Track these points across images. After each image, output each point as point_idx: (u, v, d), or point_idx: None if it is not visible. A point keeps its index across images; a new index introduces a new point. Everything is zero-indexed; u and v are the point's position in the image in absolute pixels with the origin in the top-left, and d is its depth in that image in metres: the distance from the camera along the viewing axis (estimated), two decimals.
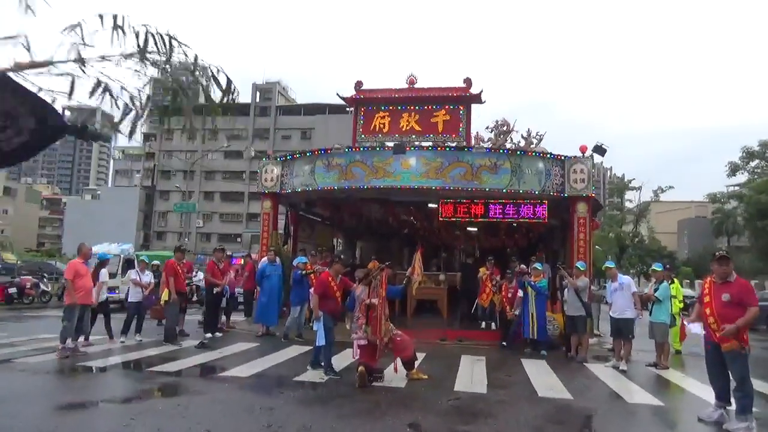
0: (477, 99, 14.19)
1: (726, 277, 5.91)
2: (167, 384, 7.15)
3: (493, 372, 8.39)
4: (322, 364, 7.78)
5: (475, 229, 18.76)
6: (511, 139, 14.92)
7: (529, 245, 19.85)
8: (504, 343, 10.98)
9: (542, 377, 8.06)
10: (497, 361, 9.50)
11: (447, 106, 14.29)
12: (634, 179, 56.60)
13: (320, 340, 7.74)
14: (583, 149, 13.03)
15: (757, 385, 7.04)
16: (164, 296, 10.48)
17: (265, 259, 13.02)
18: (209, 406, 5.97)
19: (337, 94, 15.16)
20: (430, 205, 15.76)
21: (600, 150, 12.84)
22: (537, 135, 14.65)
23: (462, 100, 14.22)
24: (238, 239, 63.41)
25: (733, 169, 39.64)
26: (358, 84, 15.03)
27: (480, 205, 13.32)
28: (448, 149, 13.44)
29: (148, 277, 11.15)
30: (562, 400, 6.73)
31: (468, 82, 14.21)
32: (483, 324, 12.93)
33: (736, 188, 41.05)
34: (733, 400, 5.83)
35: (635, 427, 5.96)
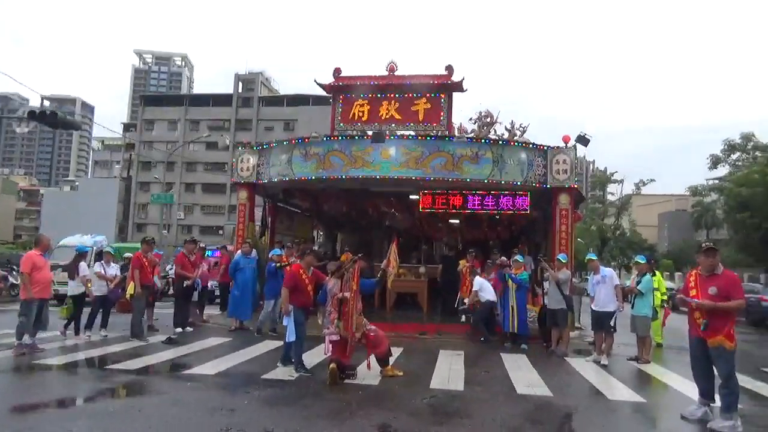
0: (458, 87, 13.84)
1: (713, 270, 5.66)
2: (125, 383, 6.73)
3: (471, 367, 8.09)
4: (293, 360, 7.42)
5: (458, 221, 18.48)
6: (495, 131, 14.66)
7: (511, 238, 19.63)
8: (482, 339, 10.70)
9: (522, 373, 7.79)
10: (476, 355, 9.22)
11: (428, 94, 13.92)
12: (616, 172, 56.96)
13: (290, 336, 7.38)
14: (566, 139, 12.78)
15: (743, 380, 6.85)
16: (129, 290, 10.03)
17: (239, 251, 12.61)
18: (166, 408, 5.58)
19: (315, 81, 14.70)
20: (411, 196, 15.44)
21: (583, 140, 12.61)
22: (521, 127, 14.40)
23: (443, 88, 13.85)
24: (220, 231, 62.65)
25: (715, 162, 39.83)
26: (337, 71, 14.60)
27: (459, 196, 13.03)
28: (428, 138, 13.09)
29: (113, 269, 10.66)
30: (541, 397, 6.45)
31: (449, 69, 13.85)
32: (463, 318, 12.66)
33: (717, 181, 41.30)
34: (717, 397, 5.59)
35: (616, 425, 5.70)
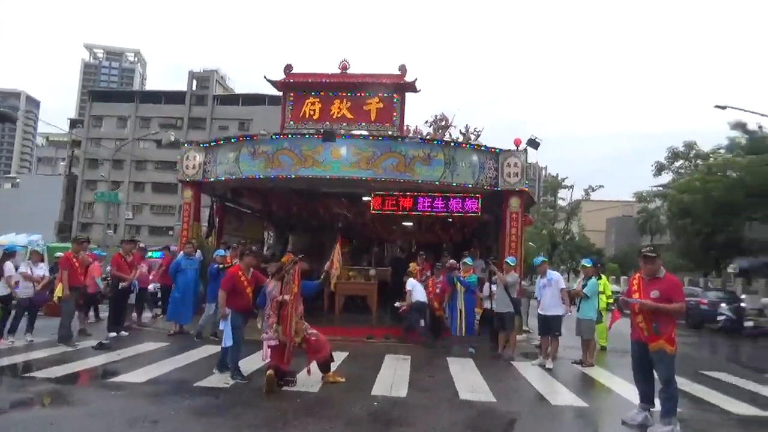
0: (411, 87, 13.71)
1: (655, 274, 5.65)
2: (44, 392, 6.20)
3: (417, 372, 7.91)
4: (230, 367, 7.05)
5: (411, 223, 18.37)
6: (450, 135, 14.61)
7: (464, 240, 19.65)
8: (424, 341, 10.55)
9: (467, 377, 7.65)
10: (422, 360, 9.04)
11: (380, 94, 13.73)
12: (567, 178, 58.35)
13: (227, 341, 7.01)
14: (517, 142, 12.83)
15: (682, 384, 6.90)
16: (57, 291, 9.40)
17: (182, 252, 12.08)
18: (85, 420, 5.15)
19: (265, 77, 14.29)
20: (364, 198, 15.20)
21: (534, 143, 12.68)
22: (475, 131, 14.39)
23: (396, 88, 13.68)
24: (170, 232, 60.78)
25: (659, 169, 41.18)
26: (288, 67, 14.23)
27: (409, 198, 12.86)
28: (380, 139, 12.90)
29: (41, 270, 9.97)
30: (484, 403, 6.31)
31: (403, 69, 13.70)
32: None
33: (661, 188, 42.72)
34: (657, 401, 5.57)
35: (558, 430, 5.60)
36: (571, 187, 57.18)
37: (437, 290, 10.98)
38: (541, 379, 7.96)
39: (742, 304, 18.24)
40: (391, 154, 12.49)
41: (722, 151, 37.30)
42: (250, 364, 7.50)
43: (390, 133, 13.33)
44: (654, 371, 5.60)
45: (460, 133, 14.48)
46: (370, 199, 13.95)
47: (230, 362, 7.03)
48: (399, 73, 13.74)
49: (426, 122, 14.79)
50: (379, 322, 13.04)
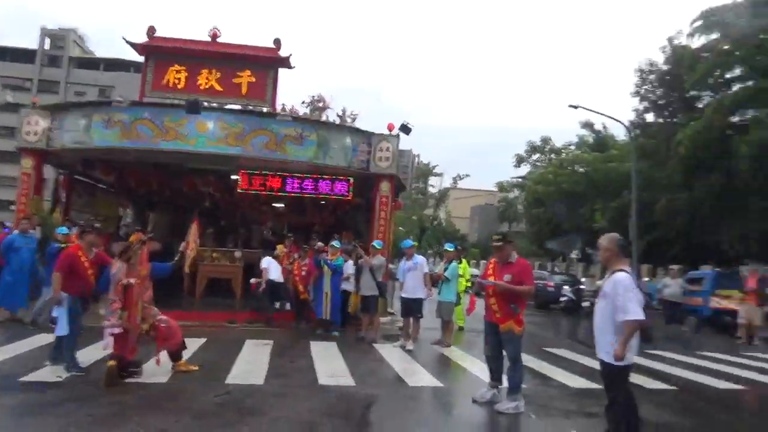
0: (286, 63, 13.20)
1: (507, 259, 5.94)
2: None
3: (277, 358, 7.69)
4: (65, 358, 6.31)
5: (282, 205, 17.91)
6: (327, 117, 14.44)
7: (337, 223, 19.61)
8: (300, 325, 10.41)
9: (328, 362, 7.58)
10: (285, 345, 8.83)
11: (253, 68, 13.08)
12: (437, 166, 60.82)
13: (61, 329, 6.27)
14: (390, 127, 12.95)
15: (528, 360, 7.41)
16: None
17: (17, 229, 10.64)
18: None
19: (125, 39, 12.97)
20: (232, 176, 14.50)
21: (406, 129, 12.87)
22: (351, 114, 14.37)
23: (269, 62, 13.11)
24: (12, 207, 53.95)
25: (519, 161, 44.57)
26: (151, 30, 13.00)
27: (277, 178, 12.48)
28: (251, 114, 12.33)
29: None
30: (343, 387, 6.28)
31: (277, 43, 13.14)
32: (277, 304, 12.20)
33: (520, 179, 46.19)
34: (505, 379, 5.90)
35: (413, 412, 5.72)
36: (441, 175, 59.70)
37: (303, 273, 10.79)
38: (402, 360, 8.14)
39: (582, 286, 20.27)
40: (261, 131, 11.99)
41: (573, 147, 41.16)
42: (90, 354, 6.78)
43: (263, 109, 12.79)
44: (503, 350, 5.92)
45: (337, 116, 14.44)
46: (238, 177, 13.35)
47: (66, 353, 6.29)
48: (273, 47, 13.20)
49: (303, 102, 14.51)
50: (245, 306, 12.56)
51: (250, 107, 12.75)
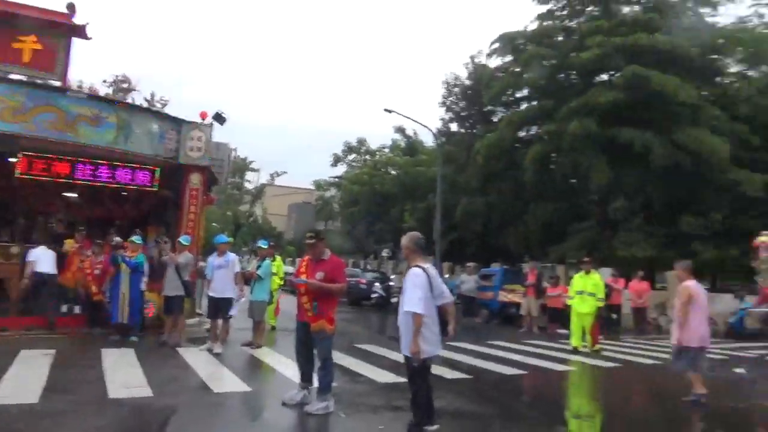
0: (81, 32, 11.58)
1: (320, 256, 5.88)
2: None
3: (60, 370, 6.66)
4: None
5: (75, 194, 15.76)
6: (133, 100, 13.01)
7: (142, 217, 17.87)
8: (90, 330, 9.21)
9: (122, 371, 6.79)
10: (71, 354, 7.76)
11: (40, 33, 11.25)
12: (254, 161, 59.41)
13: None
14: (203, 115, 12.20)
15: (338, 357, 7.46)
16: None
17: None
18: None
19: None
20: (10, 159, 12.31)
21: (220, 118, 12.27)
22: (161, 99, 13.09)
23: (60, 29, 11.41)
24: None
25: (336, 160, 45.51)
26: None
27: (66, 163, 10.89)
28: (34, 87, 10.60)
29: None
30: (138, 399, 5.64)
31: (71, 8, 11.47)
32: (65, 308, 10.69)
33: (336, 179, 47.22)
34: (315, 379, 5.83)
35: (217, 420, 5.35)
36: (258, 170, 58.43)
37: (96, 272, 9.59)
38: (208, 365, 7.65)
39: (391, 283, 21.37)
40: (48, 107, 10.39)
41: (386, 150, 43.31)
42: None
43: (51, 82, 11.07)
44: (314, 350, 5.84)
45: (145, 100, 13.06)
46: (17, 160, 11.38)
47: None
48: (66, 12, 11.51)
49: (104, 81, 12.86)
50: (22, 311, 10.73)
51: (38, 80, 10.98)
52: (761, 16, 22.17)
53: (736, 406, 7.32)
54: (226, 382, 6.75)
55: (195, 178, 12.02)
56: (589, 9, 23.18)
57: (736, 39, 20.93)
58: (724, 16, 22.67)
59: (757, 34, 21.73)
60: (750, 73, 22.06)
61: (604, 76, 21.79)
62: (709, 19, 22.16)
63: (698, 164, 18.57)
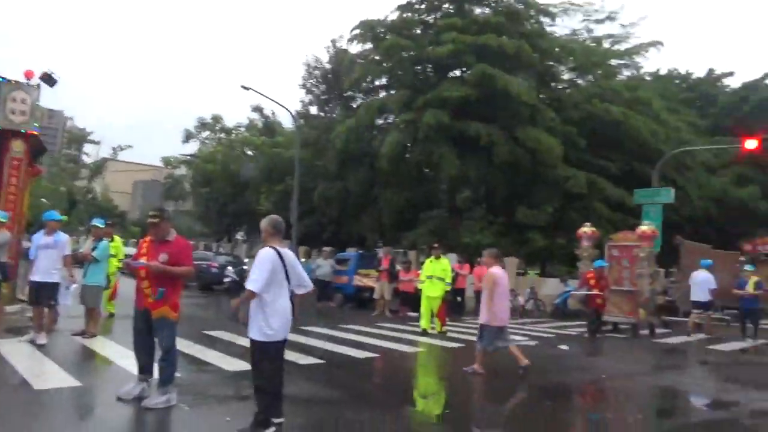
0: None
1: (164, 237, 5.42)
2: None
3: None
4: None
5: None
6: None
7: None
8: None
9: None
10: None
11: None
12: (93, 132, 53.89)
13: None
14: (28, 75, 10.74)
15: (185, 345, 7.02)
16: None
17: None
18: None
19: None
20: None
21: (50, 80, 10.91)
22: None
23: None
24: None
25: (188, 137, 42.48)
26: None
27: None
28: None
29: None
30: None
31: None
32: None
33: (188, 156, 44.29)
34: (156, 370, 5.39)
35: (37, 421, 4.73)
36: (99, 143, 53.10)
37: None
38: (29, 358, 6.77)
39: (245, 267, 20.68)
40: None
41: (243, 129, 41.70)
42: None
43: None
44: (155, 339, 5.40)
45: None
46: None
47: None
48: None
49: None
50: None
51: None
52: (590, 30, 25.00)
53: (559, 378, 8.20)
54: (51, 377, 5.99)
55: (17, 146, 10.58)
56: (445, 6, 24.18)
57: (569, 49, 23.35)
58: (560, 27, 24.73)
59: (586, 46, 24.45)
60: (579, 81, 24.81)
61: (457, 72, 22.94)
62: (547, 29, 24.36)
63: (535, 161, 20.46)
